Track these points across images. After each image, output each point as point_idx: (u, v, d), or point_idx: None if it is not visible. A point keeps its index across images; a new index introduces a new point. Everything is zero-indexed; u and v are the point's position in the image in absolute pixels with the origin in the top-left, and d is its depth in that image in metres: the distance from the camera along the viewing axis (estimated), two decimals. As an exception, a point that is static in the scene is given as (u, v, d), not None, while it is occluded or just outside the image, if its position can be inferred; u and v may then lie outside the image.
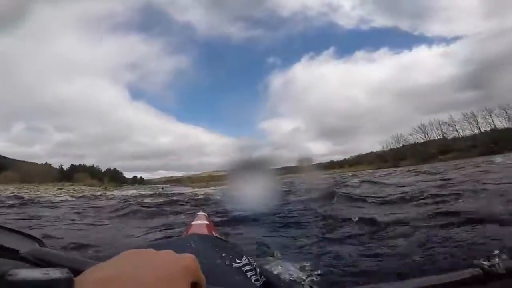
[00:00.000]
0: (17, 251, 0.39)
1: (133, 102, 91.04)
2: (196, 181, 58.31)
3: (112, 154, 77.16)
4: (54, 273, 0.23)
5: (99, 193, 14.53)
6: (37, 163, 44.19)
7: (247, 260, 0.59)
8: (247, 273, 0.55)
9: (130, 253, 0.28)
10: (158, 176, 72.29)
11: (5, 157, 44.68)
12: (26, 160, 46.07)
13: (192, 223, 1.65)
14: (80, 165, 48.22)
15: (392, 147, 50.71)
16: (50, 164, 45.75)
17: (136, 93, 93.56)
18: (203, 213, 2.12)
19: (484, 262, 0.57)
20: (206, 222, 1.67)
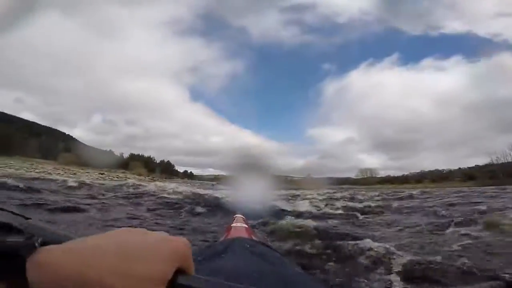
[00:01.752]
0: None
1: (192, 102, 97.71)
2: None
3: (169, 148, 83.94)
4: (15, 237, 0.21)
5: (137, 183, 12.29)
6: (101, 150, 47.40)
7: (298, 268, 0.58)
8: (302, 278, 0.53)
9: (120, 230, 0.26)
10: (207, 173, 73.69)
11: (77, 141, 48.88)
12: (95, 147, 50.16)
13: (232, 225, 1.60)
14: (138, 154, 50.60)
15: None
16: (113, 152, 48.88)
17: (195, 94, 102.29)
18: (241, 215, 2.07)
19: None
20: (245, 225, 1.62)
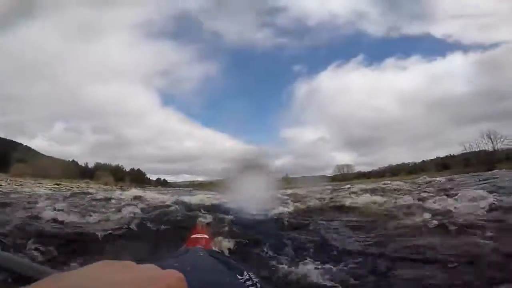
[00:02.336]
0: None
1: (163, 107, 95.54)
2: (219, 185, 57.30)
3: (141, 156, 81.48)
4: None
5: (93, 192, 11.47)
6: (62, 160, 44.53)
7: (248, 275, 0.61)
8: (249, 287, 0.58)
9: (103, 264, 0.23)
10: (181, 180, 72.53)
11: (36, 151, 45.50)
12: (57, 157, 46.95)
13: (192, 236, 1.57)
14: (105, 164, 48.26)
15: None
16: (77, 162, 46.15)
17: (166, 99, 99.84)
18: (202, 223, 2.06)
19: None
20: (206, 236, 1.60)
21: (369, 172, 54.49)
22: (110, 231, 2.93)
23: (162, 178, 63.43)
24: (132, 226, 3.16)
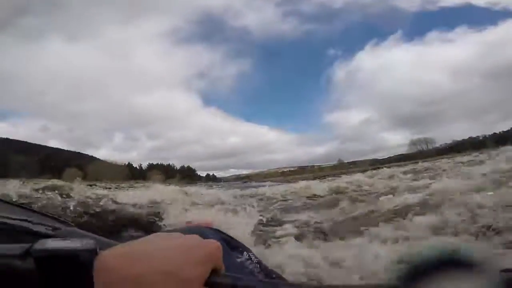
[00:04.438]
0: (47, 233, 0.41)
1: (205, 107, 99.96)
2: (268, 176, 56.46)
3: (191, 155, 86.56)
4: (77, 243, 0.24)
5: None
6: (117, 164, 48.33)
7: (247, 255, 0.62)
8: (249, 267, 0.59)
9: (158, 234, 0.29)
10: (229, 174, 74.13)
11: (102, 161, 50.47)
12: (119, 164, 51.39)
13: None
14: (157, 164, 50.96)
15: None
16: (132, 164, 49.77)
17: (207, 99, 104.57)
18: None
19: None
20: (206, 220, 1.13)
21: (450, 148, 45.21)
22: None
23: (211, 174, 65.21)
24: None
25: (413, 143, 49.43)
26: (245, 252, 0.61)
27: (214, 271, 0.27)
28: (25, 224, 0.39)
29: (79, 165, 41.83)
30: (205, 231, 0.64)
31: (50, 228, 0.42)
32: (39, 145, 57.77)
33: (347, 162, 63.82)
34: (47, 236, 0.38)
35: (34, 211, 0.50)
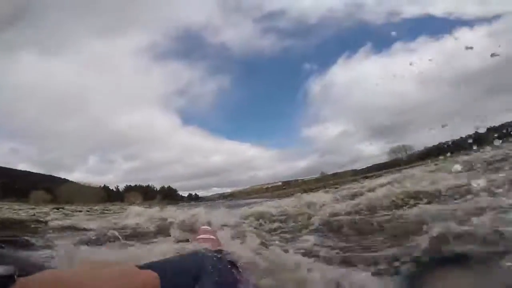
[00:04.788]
0: None
1: (184, 126, 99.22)
2: (252, 193, 55.89)
3: (171, 176, 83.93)
4: None
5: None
6: (91, 186, 45.57)
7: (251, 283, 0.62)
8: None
9: (91, 262, 0.27)
10: (212, 193, 72.38)
11: (76, 183, 47.27)
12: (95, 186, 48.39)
13: (198, 237, 1.64)
14: (135, 185, 48.68)
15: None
16: (108, 187, 47.08)
17: (187, 117, 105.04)
18: (206, 227, 2.08)
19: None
20: (212, 237, 1.69)
21: (426, 154, 47.63)
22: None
23: (193, 193, 63.25)
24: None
25: (392, 151, 51.83)
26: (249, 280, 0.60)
27: None
28: None
29: (48, 187, 38.95)
30: (203, 258, 0.63)
31: None
32: (7, 168, 53.35)
33: (330, 174, 65.03)
34: None
35: None
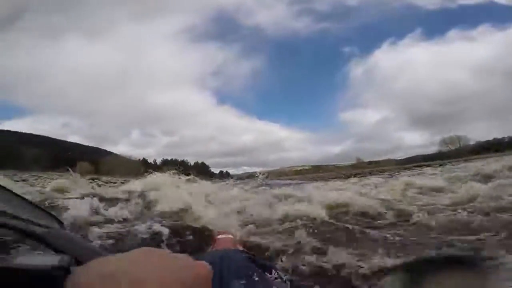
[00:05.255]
0: (34, 231, 0.41)
1: (219, 105, 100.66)
2: (282, 175, 54.88)
3: (204, 152, 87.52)
4: (48, 258, 0.23)
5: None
6: (132, 159, 48.12)
7: (276, 273, 0.61)
8: (279, 285, 0.59)
9: (143, 250, 0.26)
10: (241, 172, 73.13)
11: (119, 156, 50.44)
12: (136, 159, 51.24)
13: (218, 237, 1.72)
14: (171, 159, 50.37)
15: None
16: (146, 160, 49.46)
17: (221, 97, 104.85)
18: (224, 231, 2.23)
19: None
20: (230, 236, 1.78)
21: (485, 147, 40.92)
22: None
23: (224, 171, 64.31)
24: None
25: (444, 141, 45.65)
26: (273, 271, 0.59)
27: None
28: (21, 224, 0.37)
29: (93, 159, 41.69)
30: (227, 253, 0.63)
31: (45, 229, 0.40)
32: (60, 140, 58.69)
33: (366, 162, 60.73)
34: (38, 238, 0.36)
35: (36, 206, 0.49)
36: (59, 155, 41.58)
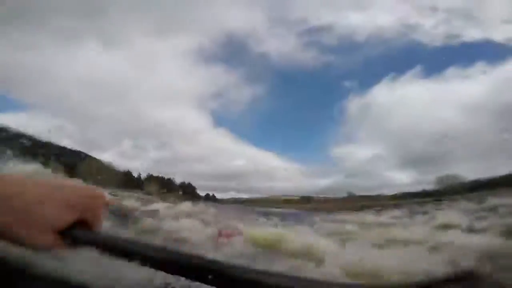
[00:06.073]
0: None
1: (215, 127, 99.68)
2: (271, 203, 52.56)
3: (193, 173, 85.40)
4: None
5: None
6: (113, 167, 44.73)
7: None
8: None
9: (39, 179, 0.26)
10: (229, 196, 70.15)
11: (102, 163, 46.81)
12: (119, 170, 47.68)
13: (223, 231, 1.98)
14: (157, 176, 47.50)
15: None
16: (131, 172, 46.31)
17: (218, 120, 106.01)
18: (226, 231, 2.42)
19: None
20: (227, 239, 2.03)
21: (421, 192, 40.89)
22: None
23: (211, 194, 61.24)
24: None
25: (439, 180, 45.29)
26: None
27: (84, 224, 0.23)
28: None
29: (69, 161, 38.17)
30: None
31: None
32: (49, 142, 54.91)
33: (357, 196, 59.62)
34: None
35: None
36: (30, 150, 38.03)
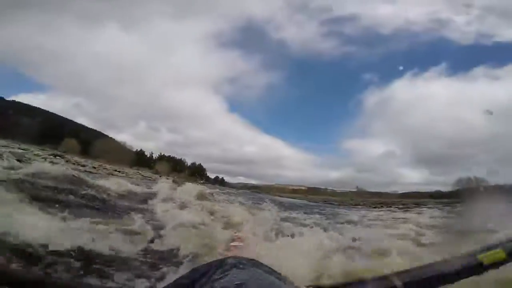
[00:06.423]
0: None
1: (229, 113, 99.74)
2: (278, 191, 52.76)
3: (204, 156, 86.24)
4: None
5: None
6: (125, 146, 46.01)
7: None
8: None
9: None
10: (237, 181, 71.17)
11: (118, 143, 48.33)
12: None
13: (232, 244, 1.77)
14: (168, 156, 48.54)
15: None
16: (143, 151, 47.45)
17: (232, 105, 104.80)
18: (239, 234, 2.16)
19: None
20: (242, 243, 1.82)
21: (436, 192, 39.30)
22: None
23: (220, 177, 62.18)
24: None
25: (459, 181, 43.44)
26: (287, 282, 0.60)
27: None
28: None
29: (85, 139, 39.65)
30: (241, 263, 0.63)
31: None
32: (67, 119, 56.95)
33: (368, 191, 58.61)
34: None
35: None
36: (48, 128, 39.55)
